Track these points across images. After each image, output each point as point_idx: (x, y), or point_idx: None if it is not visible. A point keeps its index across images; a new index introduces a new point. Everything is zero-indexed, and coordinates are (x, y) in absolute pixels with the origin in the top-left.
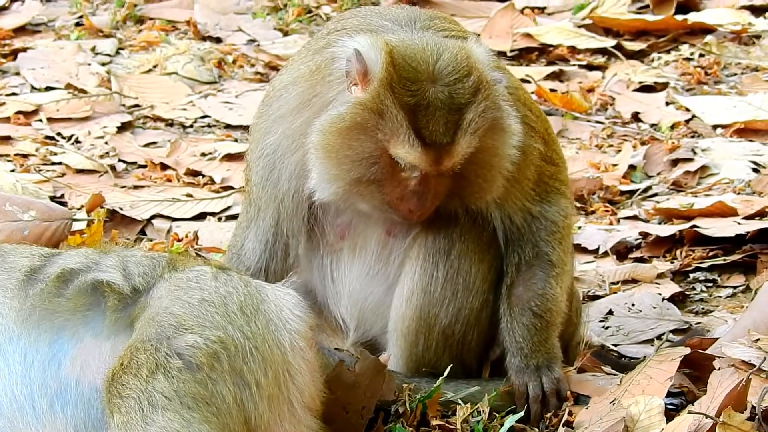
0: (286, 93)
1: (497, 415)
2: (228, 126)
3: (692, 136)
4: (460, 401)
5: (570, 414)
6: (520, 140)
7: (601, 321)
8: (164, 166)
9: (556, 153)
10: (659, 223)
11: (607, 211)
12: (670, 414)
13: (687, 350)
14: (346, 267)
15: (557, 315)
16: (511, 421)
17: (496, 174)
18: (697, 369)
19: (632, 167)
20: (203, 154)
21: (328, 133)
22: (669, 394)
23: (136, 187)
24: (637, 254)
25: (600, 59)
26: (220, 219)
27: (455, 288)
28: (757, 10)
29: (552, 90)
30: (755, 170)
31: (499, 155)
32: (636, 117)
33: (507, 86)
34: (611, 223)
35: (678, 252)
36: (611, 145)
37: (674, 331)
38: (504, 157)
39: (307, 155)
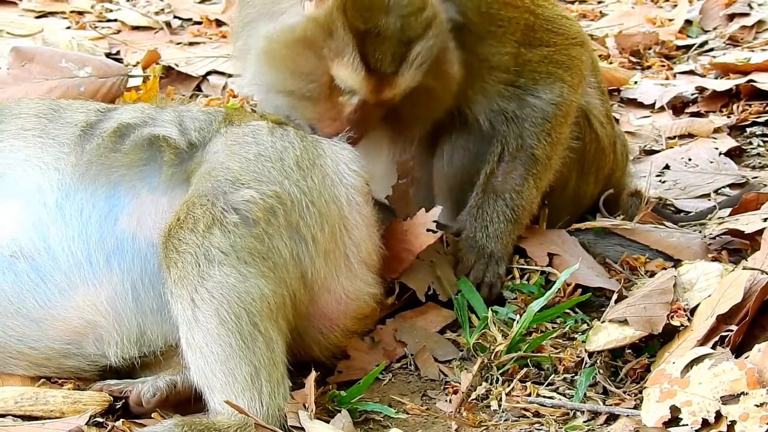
0: (252, 0)
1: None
2: None
3: None
4: None
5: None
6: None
7: (657, 175)
8: (219, 23)
9: (551, 31)
10: (715, 78)
11: (663, 65)
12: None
13: None
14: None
15: (526, 215)
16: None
17: (427, 115)
18: None
19: (688, 22)
20: None
21: (275, 42)
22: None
23: (191, 44)
24: (693, 109)
25: None
26: None
27: None
28: None
29: None
30: None
31: (435, 98)
32: None
33: None
34: (667, 78)
35: (734, 106)
36: (667, 0)
37: (731, 186)
38: (440, 101)
39: (247, 57)
